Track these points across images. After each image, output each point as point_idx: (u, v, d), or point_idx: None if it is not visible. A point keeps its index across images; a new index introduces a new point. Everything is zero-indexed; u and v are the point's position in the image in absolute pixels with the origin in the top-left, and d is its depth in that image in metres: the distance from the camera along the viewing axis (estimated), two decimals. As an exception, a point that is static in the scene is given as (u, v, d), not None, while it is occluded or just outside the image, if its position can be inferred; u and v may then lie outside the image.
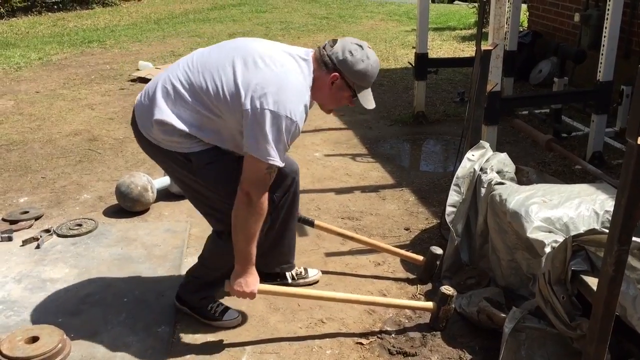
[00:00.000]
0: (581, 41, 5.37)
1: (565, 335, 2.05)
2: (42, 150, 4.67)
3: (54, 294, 2.76)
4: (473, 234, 2.93)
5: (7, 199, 3.80)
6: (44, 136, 4.99)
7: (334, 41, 2.30)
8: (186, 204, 3.36)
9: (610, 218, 1.93)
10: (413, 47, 7.62)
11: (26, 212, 3.53)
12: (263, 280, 2.75)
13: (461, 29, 10.20)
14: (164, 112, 2.22)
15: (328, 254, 3.14)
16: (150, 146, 2.33)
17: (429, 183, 4.03)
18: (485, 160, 2.97)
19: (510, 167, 3.04)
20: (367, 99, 2.33)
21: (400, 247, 3.15)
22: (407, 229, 3.40)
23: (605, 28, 3.87)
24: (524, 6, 8.16)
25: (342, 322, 2.59)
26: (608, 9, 3.81)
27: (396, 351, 2.40)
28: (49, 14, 12.09)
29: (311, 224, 2.93)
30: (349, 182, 4.09)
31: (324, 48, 2.28)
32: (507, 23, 5.04)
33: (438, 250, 2.85)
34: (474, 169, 2.92)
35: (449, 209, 2.90)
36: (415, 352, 2.38)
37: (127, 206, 3.56)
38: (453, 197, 2.90)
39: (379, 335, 2.50)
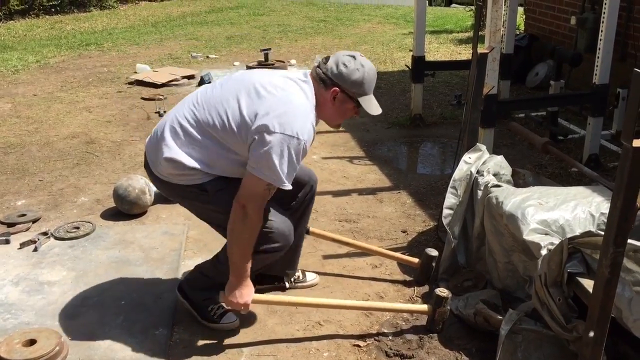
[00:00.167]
0: (577, 44, 5.40)
1: (561, 337, 2.06)
2: (40, 153, 4.67)
3: (52, 297, 2.76)
4: (470, 237, 2.94)
5: (4, 202, 3.80)
6: (42, 139, 4.99)
7: (327, 58, 2.36)
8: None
9: (606, 220, 1.94)
10: (410, 50, 7.64)
11: (24, 215, 3.53)
12: (261, 282, 2.77)
13: (458, 32, 10.23)
14: (173, 150, 2.28)
15: (325, 257, 3.15)
16: (165, 185, 2.40)
17: (426, 185, 4.04)
18: (482, 163, 2.98)
19: (506, 169, 3.05)
20: (371, 106, 2.37)
21: (398, 249, 3.16)
22: (404, 232, 3.41)
23: (601, 31, 3.88)
24: (520, 9, 8.19)
25: (340, 324, 2.60)
26: (604, 12, 3.83)
27: (393, 353, 2.40)
28: (47, 16, 12.09)
29: (307, 231, 2.92)
30: (347, 184, 4.10)
31: (318, 67, 2.34)
32: (503, 26, 5.05)
33: (433, 252, 2.86)
34: (471, 172, 2.93)
35: (445, 212, 2.91)
36: (412, 355, 2.39)
37: (125, 209, 3.56)
38: (450, 199, 2.91)
39: (376, 338, 2.51)
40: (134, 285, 2.86)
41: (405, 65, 6.55)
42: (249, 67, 7.15)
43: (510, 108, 5.10)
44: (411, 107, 5.39)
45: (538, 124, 5.06)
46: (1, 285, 2.85)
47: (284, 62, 7.41)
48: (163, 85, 6.69)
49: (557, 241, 2.26)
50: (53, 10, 12.35)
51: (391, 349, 2.42)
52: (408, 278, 2.94)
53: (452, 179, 2.94)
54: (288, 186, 2.21)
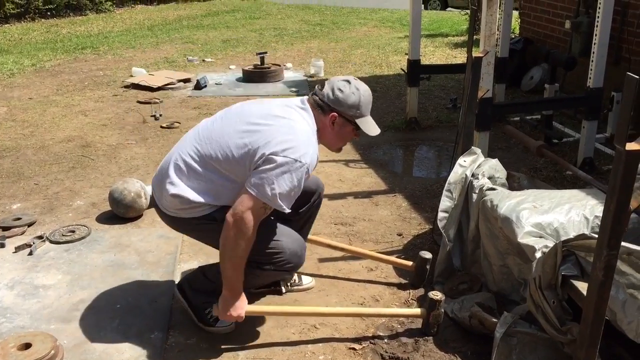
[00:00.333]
0: (572, 48, 5.41)
1: (556, 340, 2.06)
2: (35, 157, 4.66)
3: (47, 301, 2.75)
4: (465, 240, 2.95)
5: (-1, 206, 3.80)
6: (37, 142, 4.98)
7: (322, 85, 2.42)
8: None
9: (600, 223, 1.95)
10: (406, 54, 7.66)
11: (19, 219, 3.52)
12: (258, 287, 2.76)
13: (454, 36, 10.26)
14: (178, 187, 2.31)
15: (321, 260, 3.15)
16: (174, 221, 2.43)
17: (422, 189, 4.05)
18: (476, 166, 2.99)
19: (501, 172, 3.06)
20: (370, 127, 2.44)
21: (393, 252, 3.17)
22: (399, 235, 3.42)
23: (596, 35, 3.91)
24: (515, 13, 8.24)
25: (335, 327, 2.60)
26: (598, 16, 3.86)
27: (389, 356, 2.40)
28: (42, 20, 12.09)
29: None
30: (342, 188, 4.11)
31: (314, 94, 2.40)
32: (498, 30, 5.08)
33: (427, 255, 2.86)
34: (466, 175, 2.94)
35: (441, 215, 2.92)
36: (408, 357, 2.39)
37: (120, 212, 3.56)
38: (445, 202, 2.92)
39: (372, 341, 2.51)
40: (130, 288, 2.86)
41: (401, 68, 6.57)
42: (245, 71, 7.15)
43: (505, 111, 5.12)
44: (407, 111, 5.40)
45: (533, 127, 5.08)
46: (-4, 289, 2.85)
47: (279, 65, 7.42)
48: (159, 88, 6.69)
49: (551, 244, 2.27)
50: (49, 13, 12.35)
51: (387, 352, 2.43)
52: (403, 281, 2.95)
53: (447, 182, 2.95)
54: (286, 210, 2.23)
